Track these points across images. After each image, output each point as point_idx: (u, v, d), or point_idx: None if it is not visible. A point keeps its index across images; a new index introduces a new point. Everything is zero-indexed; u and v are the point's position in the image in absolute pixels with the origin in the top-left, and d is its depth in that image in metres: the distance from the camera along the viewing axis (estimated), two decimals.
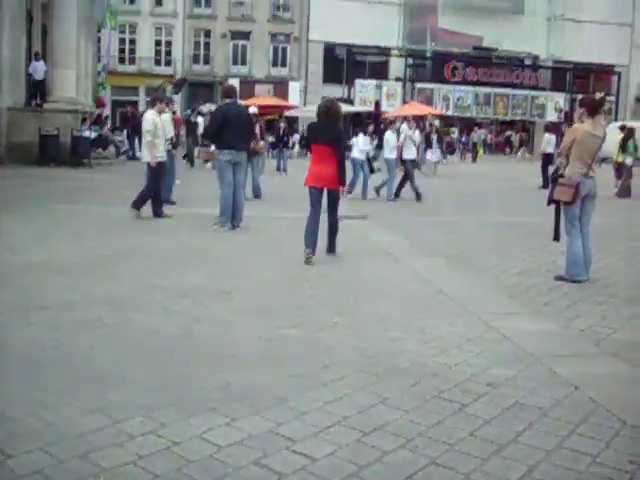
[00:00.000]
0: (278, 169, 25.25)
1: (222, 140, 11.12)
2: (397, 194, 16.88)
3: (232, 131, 10.95)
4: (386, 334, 5.72)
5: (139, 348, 5.17)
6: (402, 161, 16.94)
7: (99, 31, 35.69)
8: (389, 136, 17.23)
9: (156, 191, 12.16)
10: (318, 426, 3.94)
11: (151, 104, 12.68)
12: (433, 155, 26.63)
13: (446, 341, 5.59)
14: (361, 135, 17.22)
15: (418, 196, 16.56)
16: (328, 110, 8.90)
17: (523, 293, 7.42)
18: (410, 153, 17.00)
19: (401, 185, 17.00)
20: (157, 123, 12.04)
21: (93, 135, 25.28)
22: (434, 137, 26.69)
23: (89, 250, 9.02)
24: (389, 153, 17.09)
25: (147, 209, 12.05)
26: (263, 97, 44.36)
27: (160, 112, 12.31)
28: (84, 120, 25.42)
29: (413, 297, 7.09)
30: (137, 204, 11.90)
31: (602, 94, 8.71)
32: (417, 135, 17.34)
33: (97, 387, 4.36)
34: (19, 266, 7.85)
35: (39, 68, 24.91)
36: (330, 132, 8.76)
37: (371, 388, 4.52)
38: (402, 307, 6.61)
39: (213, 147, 12.18)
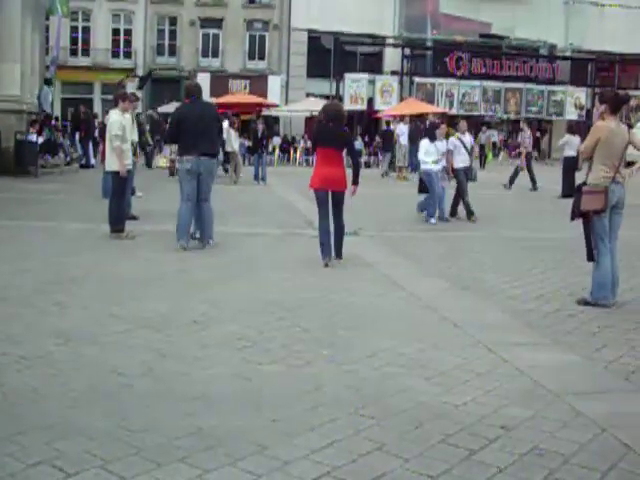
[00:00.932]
0: (256, 178, 25.28)
1: (181, 146, 11.16)
2: (453, 213, 16.15)
3: (193, 135, 10.94)
4: (382, 369, 5.72)
5: (94, 389, 5.14)
6: (453, 170, 15.87)
7: (47, 19, 35.69)
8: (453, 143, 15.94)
9: (122, 203, 12.14)
10: (304, 478, 3.93)
11: (114, 103, 12.62)
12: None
13: (452, 377, 5.60)
14: (426, 141, 15.56)
15: (470, 214, 15.77)
16: (337, 113, 10.33)
17: (541, 320, 7.44)
18: (461, 160, 15.91)
19: (456, 201, 16.23)
20: (125, 126, 12.03)
21: (41, 140, 25.25)
22: None
23: (32, 274, 9.00)
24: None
25: (98, 227, 12.04)
26: (238, 94, 44.47)
27: (125, 112, 12.30)
28: (33, 122, 25.40)
29: (413, 326, 7.10)
30: (116, 226, 11.85)
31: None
32: (469, 138, 16.43)
33: (45, 435, 4.33)
34: None
35: None
36: (339, 135, 10.23)
37: (366, 432, 4.51)
38: (400, 337, 6.61)
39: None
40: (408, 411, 4.88)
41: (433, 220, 15.16)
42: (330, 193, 10.26)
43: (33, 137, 24.30)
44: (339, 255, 10.40)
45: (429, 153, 15.29)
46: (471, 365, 5.87)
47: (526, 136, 25.24)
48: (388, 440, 4.41)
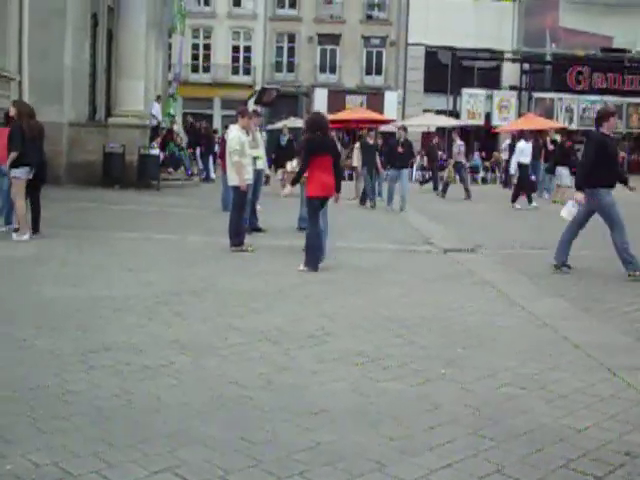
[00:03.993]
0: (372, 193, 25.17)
1: None
2: None
3: None
4: (502, 390, 5.63)
5: (214, 399, 5.22)
6: None
7: (170, 36, 36.71)
8: None
9: (242, 217, 12.33)
10: None
11: (235, 118, 12.86)
12: (563, 179, 25.25)
13: (573, 400, 5.46)
14: None
15: None
16: (327, 124, 11.21)
17: None
18: None
19: None
20: (244, 141, 12.24)
21: (154, 151, 25.93)
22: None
23: (155, 285, 9.22)
24: None
25: (218, 240, 12.25)
26: (355, 110, 44.67)
27: (244, 128, 12.50)
28: (155, 136, 26.13)
29: (532, 346, 6.96)
30: (236, 239, 12.07)
31: None
32: None
33: (168, 443, 4.42)
34: (77, 301, 8.10)
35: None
36: (331, 144, 11.17)
37: (485, 454, 4.44)
38: (520, 358, 6.50)
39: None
40: (528, 433, 4.78)
41: None
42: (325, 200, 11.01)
43: (155, 151, 24.96)
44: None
45: None
46: (593, 388, 5.72)
47: (455, 146, 26.99)
48: (508, 463, 4.32)
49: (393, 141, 22.90)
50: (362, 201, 22.14)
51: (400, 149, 21.36)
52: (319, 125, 11.01)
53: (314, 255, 10.66)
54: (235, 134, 12.29)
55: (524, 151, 23.62)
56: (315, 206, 10.86)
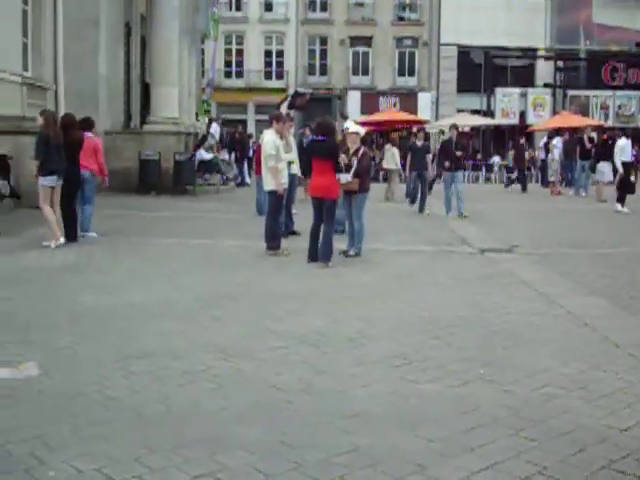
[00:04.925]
0: (409, 195, 25.09)
1: None
2: None
3: None
4: (542, 390, 5.60)
5: (254, 403, 5.24)
6: None
7: (202, 43, 36.86)
8: None
9: (278, 221, 12.37)
10: None
11: (269, 123, 12.85)
12: (603, 176, 24.76)
13: (616, 399, 5.42)
14: None
15: None
16: (331, 129, 11.65)
17: None
18: None
19: None
20: (279, 146, 12.26)
21: (208, 156, 26.13)
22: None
23: (192, 290, 9.25)
24: None
25: (254, 244, 12.28)
26: (389, 112, 44.60)
27: (278, 132, 12.50)
28: (203, 141, 26.41)
29: (573, 345, 6.91)
30: (272, 242, 12.12)
31: None
32: None
33: (208, 447, 4.44)
34: (116, 308, 8.15)
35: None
36: (331, 149, 11.38)
37: (526, 455, 4.42)
38: (560, 357, 6.46)
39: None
40: (570, 434, 4.74)
41: None
42: (322, 201, 11.35)
43: (202, 155, 25.31)
44: (322, 259, 11.14)
45: None
46: (635, 388, 5.67)
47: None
48: (550, 464, 4.30)
49: (448, 143, 20.28)
50: (412, 202, 21.39)
51: (457, 151, 19.29)
52: (322, 130, 11.59)
53: (313, 245, 11.34)
54: (269, 138, 12.28)
55: (624, 149, 21.33)
56: (313, 205, 11.56)
